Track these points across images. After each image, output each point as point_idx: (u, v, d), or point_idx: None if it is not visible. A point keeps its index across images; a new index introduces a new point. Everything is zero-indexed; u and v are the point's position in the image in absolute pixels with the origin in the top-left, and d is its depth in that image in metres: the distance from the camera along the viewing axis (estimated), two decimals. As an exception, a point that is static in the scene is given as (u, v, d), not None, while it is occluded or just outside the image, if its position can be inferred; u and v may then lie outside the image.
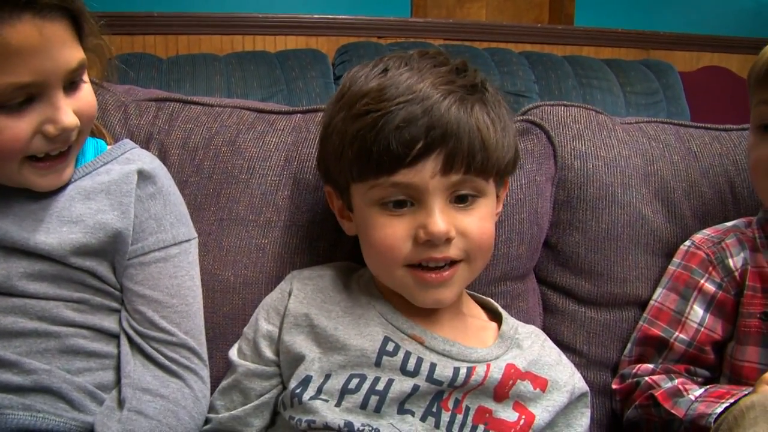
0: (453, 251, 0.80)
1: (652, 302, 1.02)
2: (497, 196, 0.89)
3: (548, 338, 0.93)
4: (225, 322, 0.96)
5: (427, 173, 0.78)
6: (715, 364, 0.98)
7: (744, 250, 0.98)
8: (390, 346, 0.81)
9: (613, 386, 1.02)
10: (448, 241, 0.79)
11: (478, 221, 0.82)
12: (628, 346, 1.03)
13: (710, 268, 0.98)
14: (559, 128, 1.08)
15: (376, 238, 0.81)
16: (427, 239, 0.78)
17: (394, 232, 0.80)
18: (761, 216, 1.01)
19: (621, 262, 1.05)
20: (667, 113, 2.89)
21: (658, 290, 1.02)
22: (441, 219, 0.78)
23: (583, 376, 0.99)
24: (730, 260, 0.97)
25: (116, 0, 2.84)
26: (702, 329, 0.96)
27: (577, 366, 1.02)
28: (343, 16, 3.08)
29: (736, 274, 0.96)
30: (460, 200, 0.81)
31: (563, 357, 0.91)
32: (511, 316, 0.95)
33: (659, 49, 3.38)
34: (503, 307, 0.96)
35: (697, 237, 1.02)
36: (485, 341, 0.87)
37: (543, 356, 0.87)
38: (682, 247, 1.03)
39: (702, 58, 3.39)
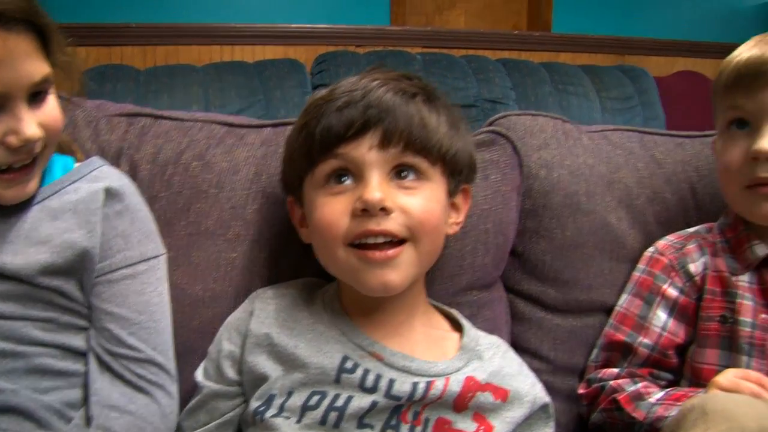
0: (392, 225, 0.81)
1: (617, 308, 1.04)
2: (454, 203, 0.91)
3: (510, 349, 0.94)
4: (194, 336, 0.97)
5: (364, 147, 0.82)
6: (678, 367, 1.00)
7: (704, 255, 1.00)
8: (349, 364, 0.82)
9: (580, 391, 1.03)
10: (386, 212, 0.80)
11: (422, 200, 0.83)
12: (595, 351, 1.05)
13: (672, 274, 1.00)
14: (526, 137, 1.10)
15: (316, 218, 0.84)
16: (362, 209, 0.80)
17: (333, 209, 0.82)
18: (722, 221, 1.03)
19: (586, 269, 1.06)
20: (642, 117, 2.93)
21: (623, 296, 1.04)
22: (376, 188, 0.80)
23: (550, 382, 1.02)
24: (691, 265, 0.99)
25: (93, 11, 2.86)
26: (665, 334, 0.98)
27: (545, 372, 1.04)
28: (322, 26, 3.10)
29: (697, 278, 0.99)
30: (402, 177, 0.83)
31: (525, 368, 0.92)
32: (478, 325, 0.96)
33: (634, 54, 3.42)
34: (470, 316, 0.97)
35: (661, 243, 1.04)
36: (447, 353, 0.88)
37: (504, 367, 0.88)
38: (646, 253, 1.05)
39: (676, 62, 3.43)
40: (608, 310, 1.06)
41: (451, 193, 0.89)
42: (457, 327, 0.93)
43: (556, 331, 1.07)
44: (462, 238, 0.98)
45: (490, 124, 1.13)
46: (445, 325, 0.94)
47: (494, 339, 0.93)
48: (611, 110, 2.90)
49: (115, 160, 1.03)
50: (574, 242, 1.06)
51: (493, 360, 0.88)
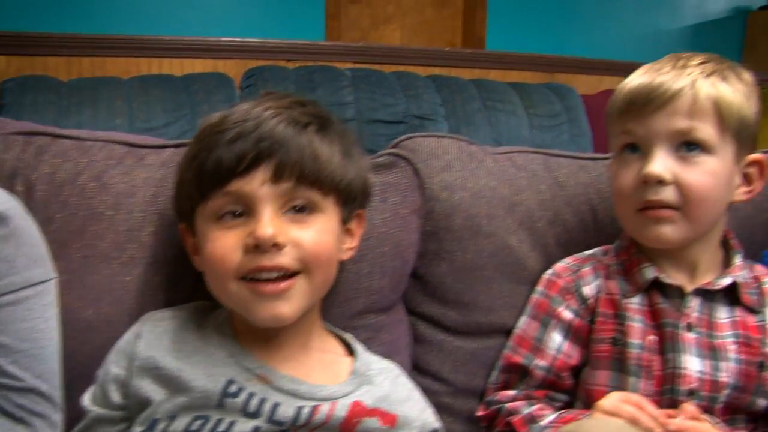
0: (285, 260, 0.81)
1: (515, 330, 1.05)
2: (348, 229, 0.91)
3: (402, 374, 0.94)
4: (86, 361, 0.94)
5: (257, 182, 0.81)
6: (573, 388, 1.01)
7: (598, 277, 1.02)
8: (233, 388, 0.81)
9: (478, 413, 1.04)
10: (278, 248, 0.80)
11: (314, 233, 0.83)
12: (494, 373, 1.06)
13: (568, 296, 1.02)
14: (429, 159, 1.11)
15: (208, 252, 0.83)
16: (254, 245, 0.79)
17: (224, 243, 0.81)
18: (618, 244, 1.06)
19: (486, 291, 1.08)
20: (569, 134, 2.99)
21: (522, 318, 1.06)
22: (269, 224, 0.79)
23: (451, 405, 1.02)
24: (585, 288, 1.01)
25: (15, 18, 2.78)
26: (559, 356, 1.00)
27: (445, 394, 1.05)
28: (252, 39, 3.07)
29: (590, 301, 1.00)
30: (295, 210, 0.83)
31: (415, 393, 0.92)
32: (375, 348, 0.96)
33: (563, 72, 3.49)
34: (367, 340, 0.97)
35: (559, 266, 1.06)
36: (338, 377, 0.87)
37: (393, 393, 0.88)
38: (544, 275, 1.07)
39: (603, 81, 3.51)
40: (508, 332, 1.07)
41: (345, 221, 0.89)
42: (352, 351, 0.93)
43: (456, 353, 1.08)
44: (359, 261, 0.98)
45: (395, 146, 1.13)
46: (339, 349, 0.93)
47: (386, 364, 0.93)
48: (539, 127, 2.95)
49: (9, 181, 1.00)
50: (475, 264, 1.07)
51: (383, 385, 0.88)
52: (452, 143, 1.14)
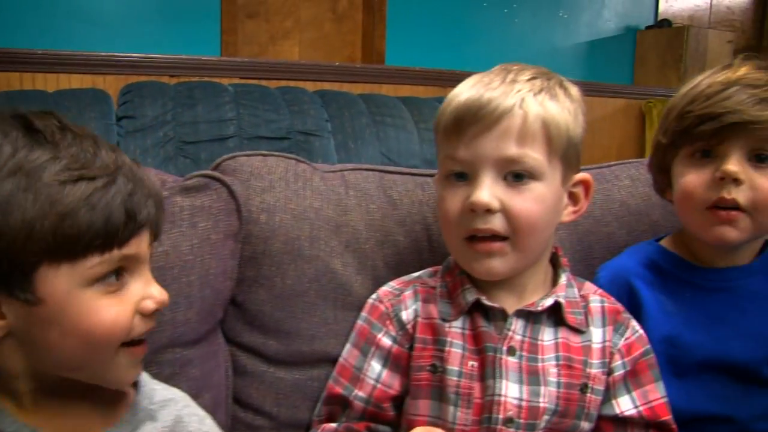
0: None
1: (340, 359, 1.00)
2: None
3: (191, 404, 0.84)
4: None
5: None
6: (395, 420, 0.96)
7: (417, 301, 0.97)
8: None
9: (300, 449, 0.98)
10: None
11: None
12: (318, 405, 1.00)
13: (387, 322, 0.97)
14: (251, 180, 1.04)
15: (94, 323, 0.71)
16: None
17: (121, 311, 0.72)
18: (446, 264, 1.01)
19: (309, 318, 1.01)
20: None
21: (346, 346, 1.00)
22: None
23: (271, 441, 0.95)
24: (403, 313, 0.96)
25: None
26: (378, 386, 0.94)
27: (268, 429, 0.99)
28: (135, 54, 2.96)
29: (408, 327, 0.95)
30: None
31: (208, 421, 0.84)
32: (182, 384, 0.88)
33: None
34: (171, 375, 0.90)
35: (383, 290, 1.01)
36: (113, 417, 0.78)
37: (179, 427, 0.80)
38: (369, 300, 1.01)
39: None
40: (334, 361, 1.01)
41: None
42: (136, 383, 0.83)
43: (279, 385, 1.01)
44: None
45: (216, 166, 1.07)
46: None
47: (173, 394, 0.84)
48: (429, 141, 2.93)
49: None
50: (295, 290, 1.01)
51: (167, 420, 0.80)
52: (279, 162, 1.08)
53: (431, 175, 1.17)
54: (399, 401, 0.96)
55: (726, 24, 5.47)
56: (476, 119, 0.89)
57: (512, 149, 0.88)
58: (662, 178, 1.09)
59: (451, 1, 4.02)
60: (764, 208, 0.96)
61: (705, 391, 1.01)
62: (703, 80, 1.01)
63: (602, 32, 4.57)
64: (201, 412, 0.84)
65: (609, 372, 0.95)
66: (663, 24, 4.61)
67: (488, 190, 0.88)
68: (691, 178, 1.00)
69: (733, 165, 0.95)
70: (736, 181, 0.95)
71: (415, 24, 4.04)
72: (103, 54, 2.92)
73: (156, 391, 0.82)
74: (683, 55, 4.27)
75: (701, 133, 0.97)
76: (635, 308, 1.03)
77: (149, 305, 0.73)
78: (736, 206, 0.96)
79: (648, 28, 4.62)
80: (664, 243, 1.11)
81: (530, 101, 0.89)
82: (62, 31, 3.02)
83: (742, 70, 0.99)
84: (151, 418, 0.79)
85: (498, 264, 0.91)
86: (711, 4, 5.40)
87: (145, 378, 0.83)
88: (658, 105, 4.10)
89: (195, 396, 0.92)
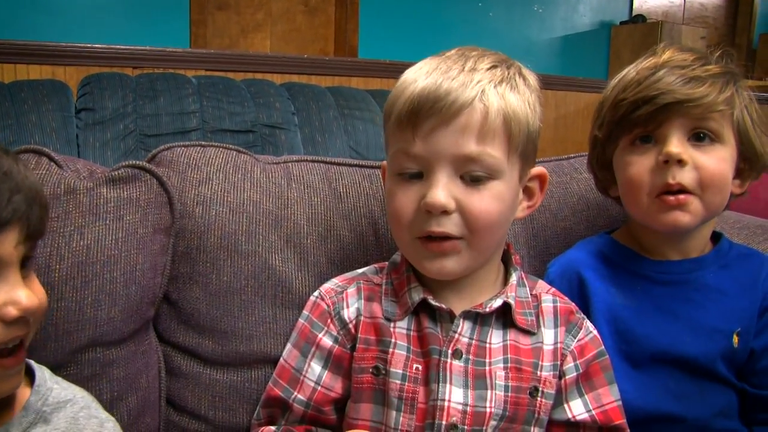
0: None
1: (280, 359, 0.94)
2: None
3: (92, 405, 0.79)
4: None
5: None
6: (337, 424, 0.91)
7: (360, 299, 0.91)
8: None
9: (235, 455, 0.92)
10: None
11: None
12: (257, 408, 0.94)
13: (328, 321, 0.91)
14: (187, 171, 0.98)
15: None
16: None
17: None
18: (393, 260, 0.96)
19: (246, 317, 0.96)
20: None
21: (287, 346, 0.94)
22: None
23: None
24: (345, 311, 0.91)
25: None
26: (319, 388, 0.89)
27: (203, 435, 0.92)
28: (96, 45, 2.88)
29: (351, 326, 0.90)
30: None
31: (109, 425, 0.77)
32: (104, 386, 0.83)
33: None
34: (91, 377, 0.84)
35: (325, 287, 0.95)
36: (9, 416, 0.72)
37: (73, 430, 0.74)
38: (311, 297, 0.95)
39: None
40: (274, 362, 0.95)
41: None
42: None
43: (215, 387, 0.95)
44: (81, 288, 0.85)
45: (153, 157, 1.01)
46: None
47: (71, 394, 0.77)
48: (398, 135, 2.88)
49: None
50: (232, 288, 0.95)
51: (60, 423, 0.74)
52: (218, 153, 1.03)
53: (379, 167, 1.12)
54: (341, 404, 0.90)
55: (699, 20, 5.48)
56: (433, 112, 0.82)
57: (471, 146, 0.82)
58: (604, 175, 1.06)
59: (425, -6, 3.98)
60: (710, 186, 0.94)
61: (658, 386, 0.97)
62: (630, 69, 1.01)
63: (577, 27, 4.56)
64: (102, 415, 0.78)
65: (561, 375, 0.90)
66: (637, 19, 4.61)
67: (444, 190, 0.82)
68: (635, 167, 0.97)
69: (675, 146, 0.93)
70: (680, 162, 0.93)
71: (388, 17, 3.99)
72: (62, 44, 2.83)
73: (53, 391, 0.75)
74: (657, 50, 4.26)
75: (638, 119, 0.96)
76: (584, 300, 1.00)
77: (11, 312, 0.65)
78: (683, 190, 0.94)
79: (623, 23, 4.62)
80: (615, 236, 1.07)
81: (491, 94, 0.83)
82: (23, 21, 2.94)
83: (667, 54, 0.99)
84: (44, 421, 0.73)
85: (451, 263, 0.86)
86: (685, 0, 5.41)
87: (43, 377, 0.76)
88: (631, 100, 4.08)
89: (118, 398, 0.88)
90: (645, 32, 4.41)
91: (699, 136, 0.95)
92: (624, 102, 0.97)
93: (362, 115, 2.87)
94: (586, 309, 0.98)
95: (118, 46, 2.92)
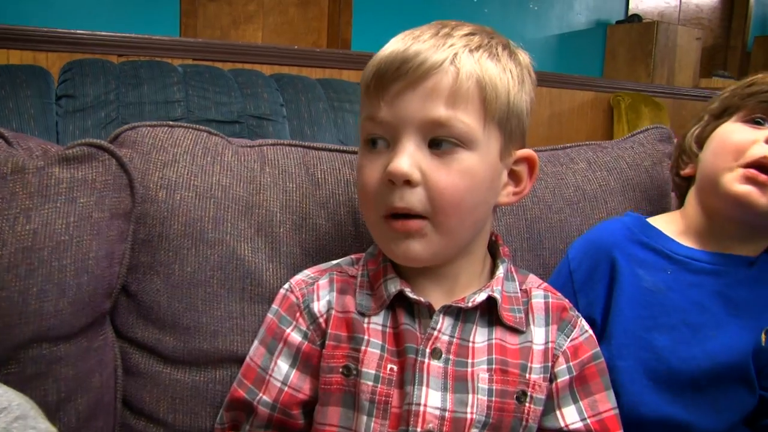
0: None
1: (246, 358, 0.86)
2: None
3: (31, 416, 0.69)
4: None
5: None
6: (305, 429, 0.83)
7: (332, 291, 0.84)
8: None
9: (194, 462, 0.84)
10: None
11: None
12: (221, 411, 0.86)
13: (297, 315, 0.83)
14: (152, 153, 0.91)
15: None
16: None
17: None
18: (370, 250, 0.88)
19: (211, 312, 0.88)
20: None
21: (254, 343, 0.86)
22: None
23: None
24: (315, 304, 0.83)
25: None
26: (285, 389, 0.81)
27: (162, 438, 0.85)
28: (80, 31, 2.80)
29: (321, 320, 0.82)
30: None
31: None
32: (49, 386, 0.76)
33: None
34: (35, 375, 0.76)
35: (296, 278, 0.87)
36: None
37: None
38: (280, 290, 0.88)
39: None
40: (240, 361, 0.87)
41: None
42: None
43: (175, 387, 0.88)
44: (25, 277, 0.77)
45: (115, 137, 0.93)
46: None
47: (6, 402, 0.68)
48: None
49: None
50: (196, 279, 0.88)
51: None
52: (187, 134, 0.95)
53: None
54: (310, 407, 0.82)
55: (695, 21, 5.44)
56: (399, 74, 0.76)
57: (440, 110, 0.75)
58: (689, 156, 1.05)
59: (420, -12, 3.92)
60: None
61: (674, 391, 0.91)
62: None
63: (573, 25, 4.50)
64: (42, 425, 0.69)
65: (552, 378, 0.83)
66: (633, 19, 4.56)
67: (409, 158, 0.75)
68: (740, 134, 0.96)
69: None
70: None
71: (381, 11, 3.93)
72: (43, 29, 2.75)
73: None
74: (653, 50, 4.22)
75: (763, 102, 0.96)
76: (611, 281, 0.96)
77: None
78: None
79: (618, 22, 4.58)
80: (650, 220, 1.03)
81: (464, 57, 0.76)
82: (4, 5, 2.87)
83: None
84: None
85: (417, 247, 0.78)
86: (681, 1, 5.37)
87: None
88: (626, 98, 4.02)
89: (66, 399, 0.80)
90: (640, 32, 4.36)
91: None
92: (754, 86, 0.98)
93: (353, 107, 2.80)
94: (610, 290, 0.93)
95: (102, 33, 2.84)
